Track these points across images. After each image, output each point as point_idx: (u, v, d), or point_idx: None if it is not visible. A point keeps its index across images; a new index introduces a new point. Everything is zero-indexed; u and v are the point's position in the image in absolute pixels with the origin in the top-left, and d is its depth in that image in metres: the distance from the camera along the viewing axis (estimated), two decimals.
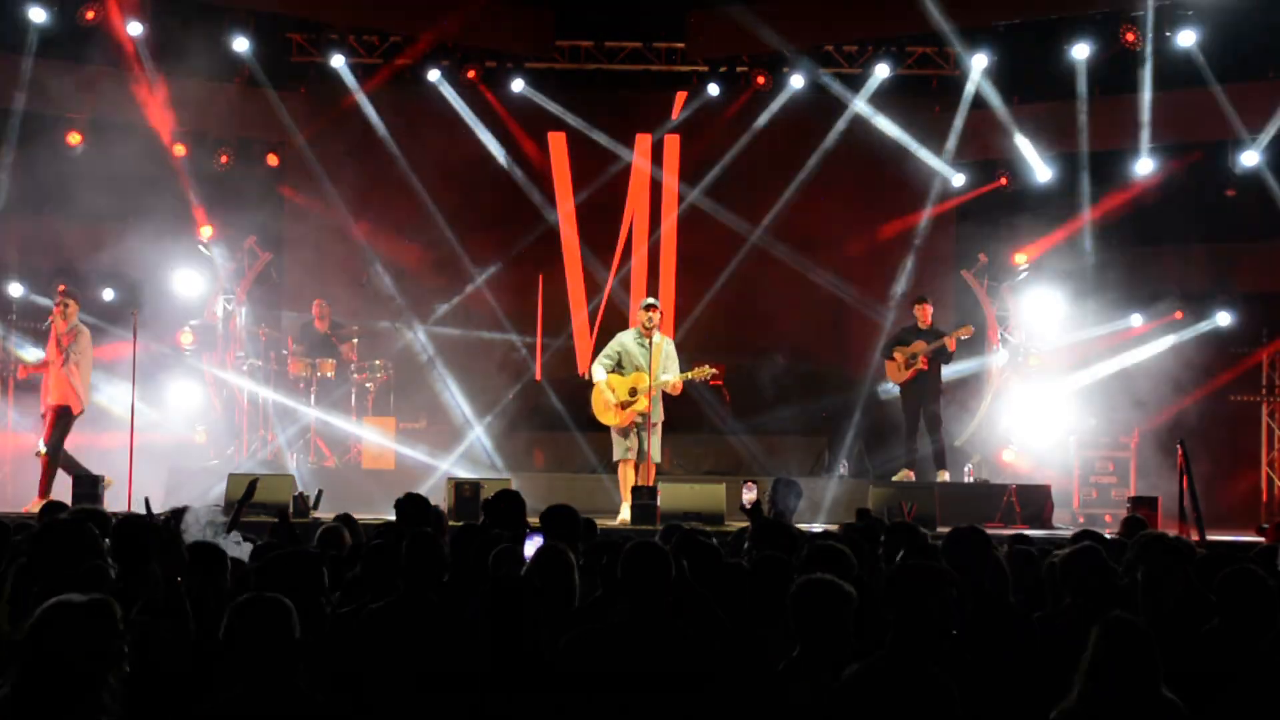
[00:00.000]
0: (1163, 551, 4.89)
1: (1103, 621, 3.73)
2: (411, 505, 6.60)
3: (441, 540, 5.04)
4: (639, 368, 10.81)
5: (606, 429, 11.41)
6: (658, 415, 10.94)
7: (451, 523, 7.84)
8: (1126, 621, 3.72)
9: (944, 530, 9.77)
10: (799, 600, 4.00)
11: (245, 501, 8.01)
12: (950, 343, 12.63)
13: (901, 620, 3.84)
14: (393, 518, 6.85)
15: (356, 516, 7.23)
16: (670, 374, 10.92)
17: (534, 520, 6.19)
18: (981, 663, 4.25)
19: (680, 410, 11.60)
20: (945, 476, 12.77)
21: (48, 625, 3.19)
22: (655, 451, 10.94)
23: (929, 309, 12.94)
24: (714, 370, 11.21)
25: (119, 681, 3.24)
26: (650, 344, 10.85)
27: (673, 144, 15.47)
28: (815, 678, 3.89)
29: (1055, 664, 4.35)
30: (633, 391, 10.77)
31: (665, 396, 11.06)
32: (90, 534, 4.58)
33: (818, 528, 9.37)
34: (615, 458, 11.10)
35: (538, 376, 14.83)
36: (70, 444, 12.23)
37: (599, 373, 10.99)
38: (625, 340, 11.05)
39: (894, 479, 12.73)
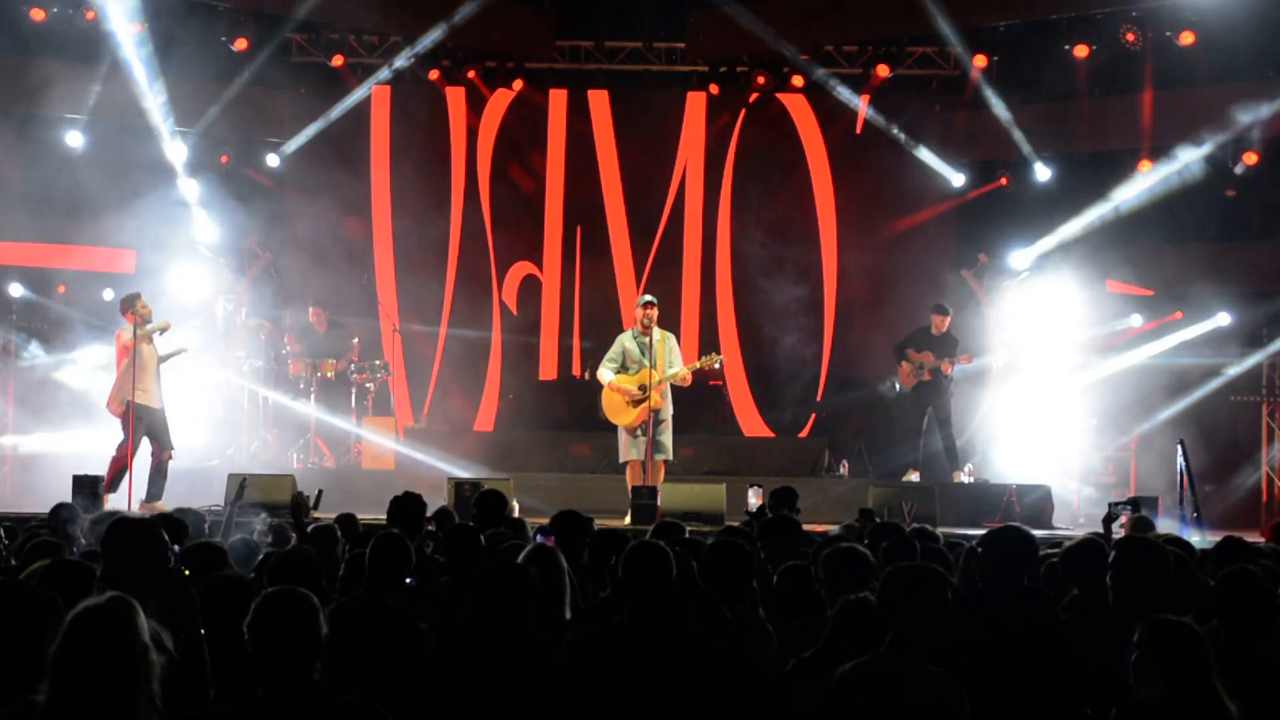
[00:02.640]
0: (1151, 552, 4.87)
1: (1148, 625, 3.72)
2: (406, 505, 6.58)
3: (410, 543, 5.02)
4: (642, 365, 10.84)
5: (608, 429, 11.41)
6: (667, 411, 10.97)
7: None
8: (1175, 624, 3.71)
9: (945, 530, 9.79)
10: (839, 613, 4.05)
11: (236, 502, 8.04)
12: (946, 367, 12.95)
13: (900, 621, 3.84)
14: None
15: (356, 516, 7.23)
16: (675, 367, 10.95)
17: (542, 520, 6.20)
18: (1006, 662, 4.27)
19: (680, 410, 11.60)
20: (960, 476, 12.87)
21: (74, 630, 3.16)
22: (668, 450, 10.97)
23: (945, 320, 13.12)
24: (721, 358, 11.27)
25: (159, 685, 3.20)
26: (650, 340, 10.87)
27: (674, 144, 15.45)
28: (825, 678, 3.90)
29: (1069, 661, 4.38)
30: (642, 388, 10.78)
31: (672, 391, 11.07)
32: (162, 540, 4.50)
33: (819, 528, 9.36)
34: (623, 458, 11.11)
35: (539, 376, 14.81)
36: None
37: (606, 375, 11.02)
38: (625, 340, 11.10)
39: (903, 480, 12.81)
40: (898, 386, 13.50)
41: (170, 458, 11.39)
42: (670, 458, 11.10)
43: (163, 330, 11.41)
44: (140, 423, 11.09)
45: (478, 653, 4.11)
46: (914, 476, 13.01)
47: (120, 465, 11.11)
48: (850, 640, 4.01)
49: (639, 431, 10.89)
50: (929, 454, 13.17)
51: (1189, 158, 13.78)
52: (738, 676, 4.18)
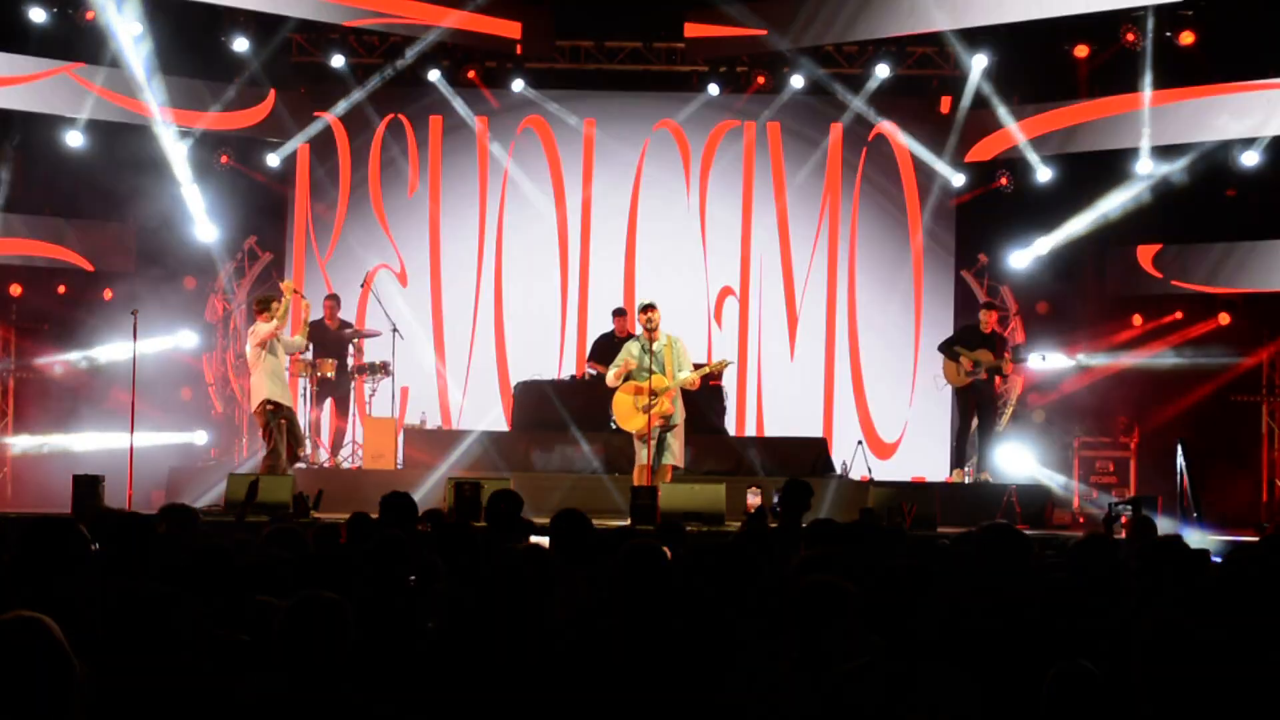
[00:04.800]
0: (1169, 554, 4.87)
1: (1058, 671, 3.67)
2: (395, 505, 6.57)
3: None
4: (651, 371, 10.82)
5: (609, 429, 11.41)
6: (679, 416, 10.96)
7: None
8: (1080, 672, 3.64)
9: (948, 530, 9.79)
10: (800, 601, 4.01)
11: (249, 503, 8.04)
12: (1009, 368, 13.17)
13: (897, 619, 3.84)
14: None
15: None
16: (685, 370, 10.95)
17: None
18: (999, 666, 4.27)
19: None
20: (987, 477, 12.93)
21: None
22: (677, 455, 10.94)
23: (995, 317, 13.29)
24: (730, 361, 11.27)
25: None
26: (652, 345, 10.86)
27: (676, 144, 15.43)
28: (815, 679, 3.89)
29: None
30: (652, 394, 10.77)
31: (683, 395, 11.06)
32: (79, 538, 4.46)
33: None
34: (638, 464, 11.12)
35: (539, 376, 14.79)
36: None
37: (615, 382, 11.00)
38: (630, 348, 11.08)
39: (952, 480, 12.88)
40: (942, 383, 13.57)
41: (301, 458, 11.42)
42: (678, 464, 11.06)
43: (307, 320, 11.73)
44: (282, 420, 11.14)
45: (485, 646, 4.09)
46: (961, 477, 13.07)
47: (269, 468, 11.17)
48: (806, 624, 4.02)
49: (647, 438, 10.87)
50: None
51: (1189, 157, 13.78)
52: (733, 677, 4.17)
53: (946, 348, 13.30)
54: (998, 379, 13.30)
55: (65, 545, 4.24)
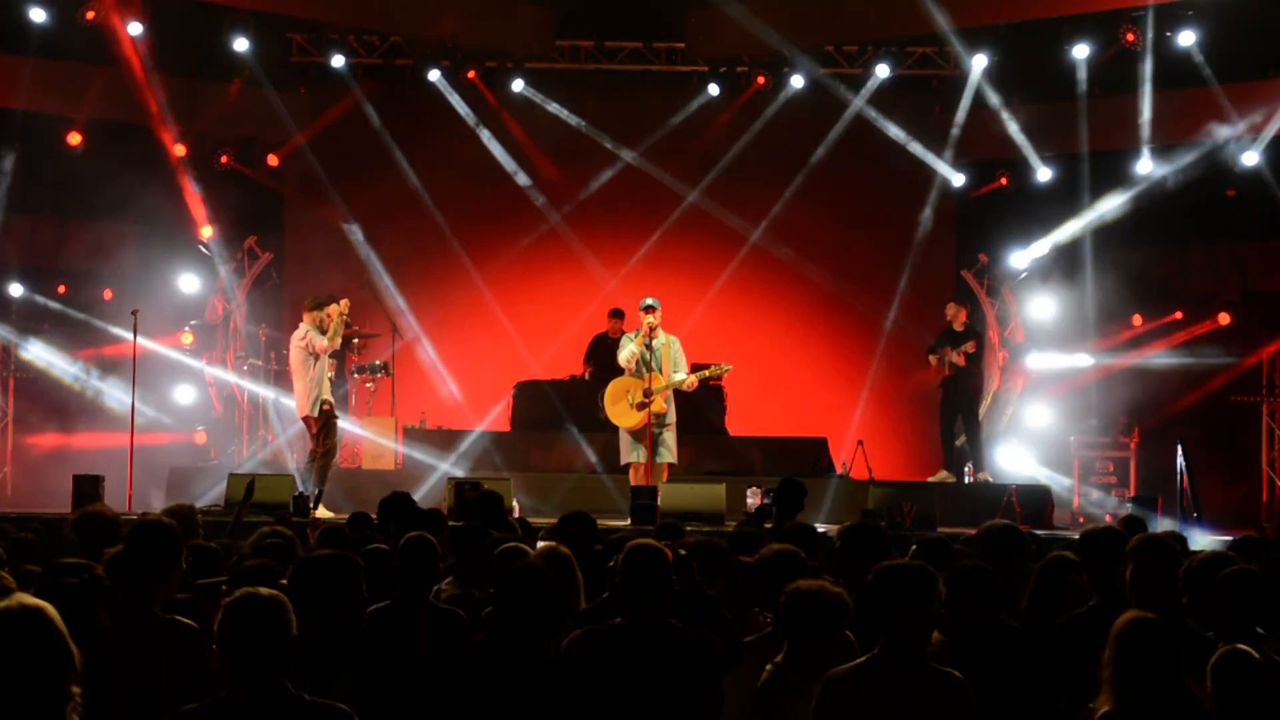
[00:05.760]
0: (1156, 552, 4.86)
1: (1122, 623, 3.70)
2: (396, 505, 6.56)
3: (437, 542, 5.01)
4: (649, 369, 10.84)
5: (609, 429, 11.41)
6: (671, 415, 10.98)
7: (451, 523, 7.82)
8: (1145, 621, 3.69)
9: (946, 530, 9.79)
10: (790, 606, 4.04)
11: (245, 503, 8.01)
12: (958, 358, 12.94)
13: (895, 619, 3.84)
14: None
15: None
16: (681, 372, 10.96)
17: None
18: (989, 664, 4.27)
19: (680, 410, 11.61)
20: (987, 477, 12.91)
21: None
22: (672, 453, 10.97)
23: (957, 311, 13.28)
24: (730, 366, 11.29)
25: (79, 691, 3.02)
26: (652, 344, 10.86)
27: (675, 144, 15.43)
28: (804, 679, 3.90)
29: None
30: (647, 393, 10.78)
31: (676, 395, 11.09)
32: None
33: (820, 528, 9.36)
34: (624, 460, 11.12)
35: (538, 376, 14.80)
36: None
37: (629, 363, 11.01)
38: (628, 344, 11.09)
39: (931, 480, 12.85)
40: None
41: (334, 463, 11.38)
42: (674, 460, 11.10)
43: (343, 316, 11.45)
44: (332, 421, 11.08)
45: (500, 654, 4.09)
46: (945, 478, 13.06)
47: (325, 472, 11.08)
48: (799, 631, 4.03)
49: (642, 435, 10.88)
50: (957, 450, 13.30)
51: (1189, 157, 13.78)
52: (730, 677, 4.18)
53: (929, 349, 13.37)
54: (989, 372, 13.29)
55: (165, 547, 4.30)
